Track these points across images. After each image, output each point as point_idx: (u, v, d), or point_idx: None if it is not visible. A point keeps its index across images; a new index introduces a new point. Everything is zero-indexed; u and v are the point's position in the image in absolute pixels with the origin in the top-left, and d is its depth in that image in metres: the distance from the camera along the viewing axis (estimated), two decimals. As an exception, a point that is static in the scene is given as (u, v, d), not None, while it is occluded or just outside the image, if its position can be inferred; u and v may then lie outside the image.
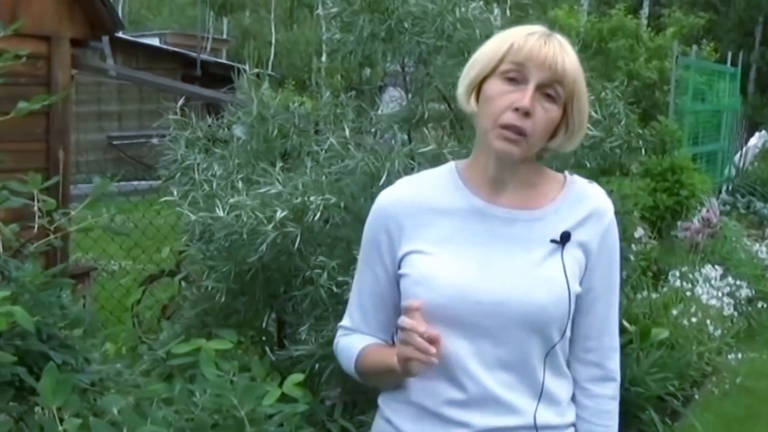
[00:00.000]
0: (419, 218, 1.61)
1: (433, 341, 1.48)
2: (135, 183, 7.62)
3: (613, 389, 1.71)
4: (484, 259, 1.56)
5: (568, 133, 1.58)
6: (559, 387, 1.65)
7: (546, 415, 1.61)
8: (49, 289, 1.67)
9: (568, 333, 1.60)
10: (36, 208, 1.61)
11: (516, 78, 1.51)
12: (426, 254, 1.58)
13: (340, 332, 1.78)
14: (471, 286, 1.54)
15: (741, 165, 12.73)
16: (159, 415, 1.63)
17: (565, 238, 1.59)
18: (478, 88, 1.57)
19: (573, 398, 1.69)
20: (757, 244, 8.24)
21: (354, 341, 1.72)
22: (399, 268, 1.62)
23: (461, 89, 1.60)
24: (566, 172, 1.69)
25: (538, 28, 1.57)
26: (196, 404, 1.91)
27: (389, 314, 1.68)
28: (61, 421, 1.48)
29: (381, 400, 1.72)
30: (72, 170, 6.57)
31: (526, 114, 1.49)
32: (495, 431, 1.59)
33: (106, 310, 5.29)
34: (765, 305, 6.90)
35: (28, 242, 1.68)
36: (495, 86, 1.53)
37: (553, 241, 1.58)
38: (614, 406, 1.72)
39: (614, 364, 1.70)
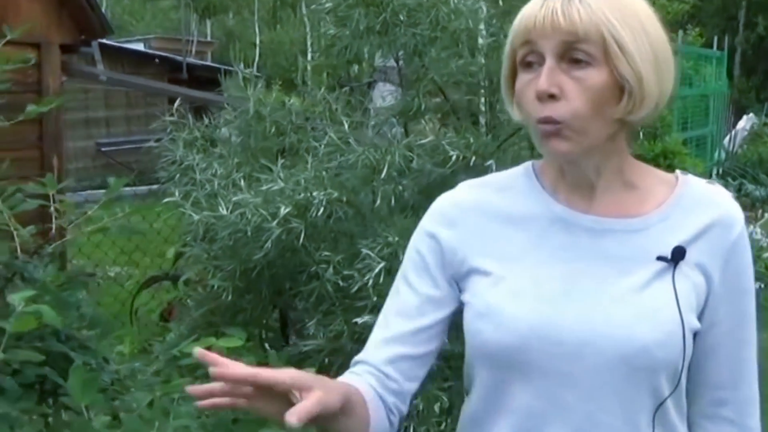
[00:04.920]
0: (485, 228, 1.28)
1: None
2: (128, 189, 7.60)
3: None
4: (567, 284, 1.22)
5: (633, 96, 1.17)
6: None
7: None
8: (67, 291, 1.68)
9: (683, 382, 1.24)
10: (53, 209, 1.62)
11: (533, 60, 1.19)
12: (491, 276, 1.25)
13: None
14: (551, 322, 1.20)
15: (731, 148, 12.81)
16: (182, 410, 1.64)
17: (679, 254, 1.22)
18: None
19: None
20: (751, 226, 8.29)
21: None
22: (461, 291, 1.29)
23: (505, 101, 1.30)
24: (678, 171, 1.33)
25: None
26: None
27: (412, 345, 1.29)
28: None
29: None
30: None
31: (551, 97, 1.16)
32: None
33: (109, 314, 5.28)
34: (762, 285, 6.94)
35: (46, 243, 1.69)
36: (519, 80, 1.22)
37: (661, 258, 1.22)
38: None
39: (755, 421, 1.32)
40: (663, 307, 1.19)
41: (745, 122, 14.85)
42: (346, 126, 3.38)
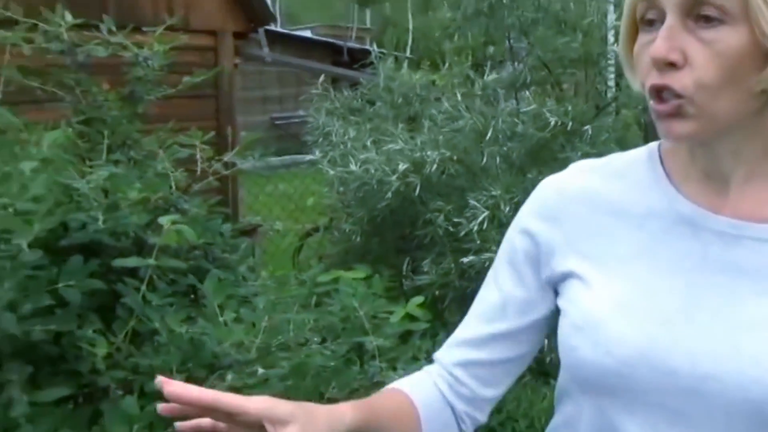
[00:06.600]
0: (591, 222, 1.05)
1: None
2: (298, 156, 8.62)
3: None
4: (688, 301, 0.96)
5: None
6: None
7: None
8: (213, 221, 2.15)
9: None
10: (198, 156, 2.15)
11: (653, 18, 0.94)
12: (592, 284, 1.02)
13: None
14: (665, 347, 0.95)
15: None
16: (298, 316, 1.98)
17: None
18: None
19: None
20: None
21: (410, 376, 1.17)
22: (557, 294, 1.07)
23: (624, 66, 1.03)
24: None
25: None
26: (330, 313, 2.28)
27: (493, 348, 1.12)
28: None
29: None
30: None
31: (670, 65, 0.90)
32: None
33: (275, 260, 6.14)
34: None
35: (194, 182, 2.18)
36: (638, 40, 0.97)
37: None
38: None
39: None
40: None
41: None
42: (459, 97, 3.96)
